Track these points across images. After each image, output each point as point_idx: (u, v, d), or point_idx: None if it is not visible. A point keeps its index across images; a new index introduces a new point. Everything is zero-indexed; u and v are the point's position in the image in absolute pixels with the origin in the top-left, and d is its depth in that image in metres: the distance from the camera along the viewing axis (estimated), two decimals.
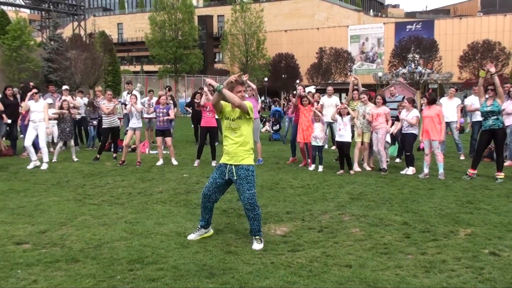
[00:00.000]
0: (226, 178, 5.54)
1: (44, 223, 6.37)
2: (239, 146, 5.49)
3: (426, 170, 9.94)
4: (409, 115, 10.25)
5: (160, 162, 11.68)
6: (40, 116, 11.34)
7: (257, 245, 5.43)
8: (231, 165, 5.51)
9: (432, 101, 10.10)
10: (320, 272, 4.68)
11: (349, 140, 10.41)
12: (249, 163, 5.52)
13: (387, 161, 11.28)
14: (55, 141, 13.43)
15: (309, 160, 11.30)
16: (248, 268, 4.74)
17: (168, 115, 11.69)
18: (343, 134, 10.36)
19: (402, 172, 10.27)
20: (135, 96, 12.37)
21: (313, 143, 10.92)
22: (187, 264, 4.84)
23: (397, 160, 12.12)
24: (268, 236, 5.91)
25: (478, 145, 10.03)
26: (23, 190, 8.59)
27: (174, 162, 11.75)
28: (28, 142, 11.18)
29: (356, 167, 10.72)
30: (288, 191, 8.61)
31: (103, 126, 12.86)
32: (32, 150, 11.17)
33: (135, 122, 11.83)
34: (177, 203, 7.62)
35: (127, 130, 12.14)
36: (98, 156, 12.40)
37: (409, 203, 7.55)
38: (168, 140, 11.91)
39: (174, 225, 6.33)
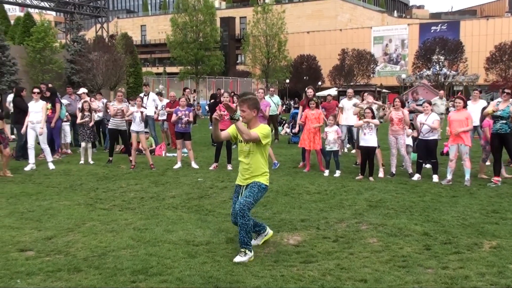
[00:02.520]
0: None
1: (51, 229, 6.23)
2: (251, 172, 5.34)
3: (449, 176, 9.56)
4: (429, 119, 9.84)
5: (178, 165, 11.50)
6: (38, 116, 11.27)
7: (238, 258, 5.13)
8: (244, 186, 5.39)
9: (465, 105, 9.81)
10: (333, 287, 4.41)
11: (375, 144, 10.07)
12: (260, 180, 5.35)
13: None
14: (68, 141, 13.39)
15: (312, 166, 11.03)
16: (256, 282, 4.50)
17: (189, 117, 11.53)
18: (368, 138, 10.02)
19: (413, 178, 9.89)
20: (141, 98, 12.28)
21: (327, 148, 10.62)
22: (193, 276, 4.62)
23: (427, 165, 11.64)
24: (280, 245, 5.68)
25: (492, 150, 9.70)
26: (35, 193, 8.49)
27: (195, 165, 11.52)
28: (30, 143, 11.17)
29: (380, 172, 10.40)
30: (304, 197, 8.35)
31: (109, 127, 12.66)
32: (32, 152, 11.16)
33: (137, 125, 11.70)
34: (188, 209, 7.42)
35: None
36: (110, 159, 12.27)
37: (431, 212, 7.22)
38: (188, 143, 11.70)
39: (183, 232, 6.13)
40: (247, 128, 5.23)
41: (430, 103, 10.17)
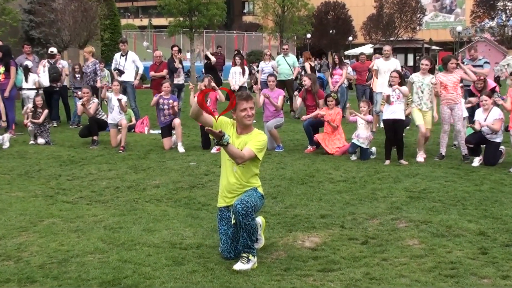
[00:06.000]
0: (234, 221, 5.30)
1: None
2: (242, 185, 5.39)
3: None
4: (489, 117, 9.66)
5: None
6: None
7: (239, 265, 5.13)
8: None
9: None
10: None
11: (403, 117, 9.95)
12: (255, 185, 5.47)
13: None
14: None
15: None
16: None
17: (173, 106, 11.54)
18: (395, 110, 9.87)
19: (474, 164, 9.76)
20: (119, 82, 12.49)
21: (354, 141, 10.55)
22: None
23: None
24: (293, 249, 5.68)
25: None
26: None
27: (181, 149, 11.38)
28: None
29: (420, 156, 10.26)
30: (325, 186, 8.36)
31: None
32: None
33: (116, 117, 11.88)
34: (175, 202, 7.49)
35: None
36: (95, 138, 12.03)
37: (489, 205, 7.22)
38: (176, 120, 11.63)
39: (168, 232, 6.17)
40: (241, 131, 5.44)
41: (490, 96, 9.95)
